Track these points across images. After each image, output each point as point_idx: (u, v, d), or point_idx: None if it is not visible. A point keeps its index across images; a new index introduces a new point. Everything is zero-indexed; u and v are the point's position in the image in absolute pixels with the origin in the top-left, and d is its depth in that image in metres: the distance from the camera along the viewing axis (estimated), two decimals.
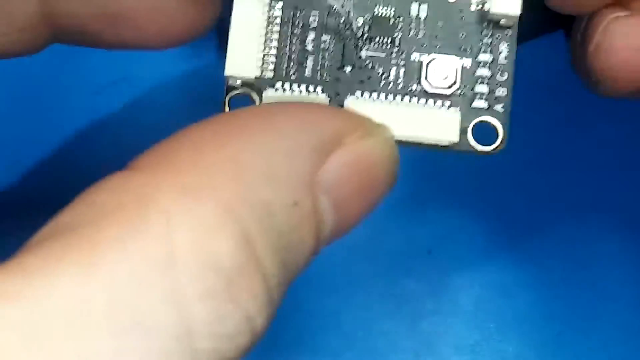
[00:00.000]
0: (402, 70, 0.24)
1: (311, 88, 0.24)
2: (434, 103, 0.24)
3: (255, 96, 0.24)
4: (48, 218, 0.19)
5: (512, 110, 0.24)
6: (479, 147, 0.24)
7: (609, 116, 0.33)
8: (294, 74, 0.24)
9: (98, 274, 0.18)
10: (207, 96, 0.26)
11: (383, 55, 0.24)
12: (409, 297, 0.35)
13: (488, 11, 0.24)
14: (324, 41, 0.24)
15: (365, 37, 0.24)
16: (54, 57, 0.30)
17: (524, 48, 0.24)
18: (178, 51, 0.33)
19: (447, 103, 0.24)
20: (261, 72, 0.24)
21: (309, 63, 0.24)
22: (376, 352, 0.35)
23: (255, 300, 0.19)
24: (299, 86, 0.24)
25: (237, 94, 0.24)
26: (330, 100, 0.24)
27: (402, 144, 0.24)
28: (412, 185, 0.36)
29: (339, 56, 0.24)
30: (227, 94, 0.24)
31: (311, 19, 0.25)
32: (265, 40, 0.24)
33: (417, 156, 0.25)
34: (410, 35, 0.25)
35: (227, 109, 0.24)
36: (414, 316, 0.35)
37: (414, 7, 0.25)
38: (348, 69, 0.24)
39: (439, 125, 0.24)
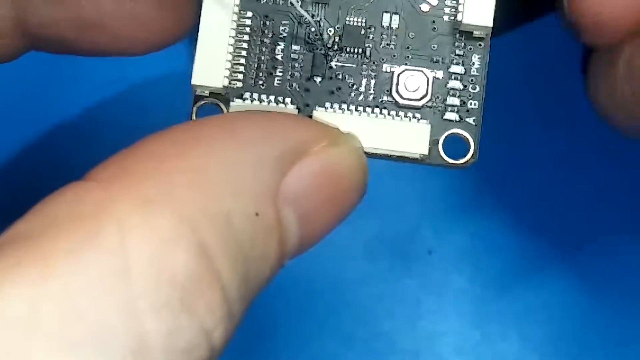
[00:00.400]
0: (372, 82, 0.24)
1: (280, 99, 0.24)
2: (405, 115, 0.24)
3: (223, 106, 0.24)
4: None
5: (483, 122, 0.24)
6: (450, 160, 0.24)
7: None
8: (262, 84, 0.24)
9: (51, 285, 0.17)
10: None
11: (354, 66, 0.24)
12: (409, 297, 0.35)
13: (461, 22, 0.24)
14: (294, 51, 0.24)
15: (336, 47, 0.24)
16: (52, 57, 0.30)
17: (494, 58, 0.24)
18: (177, 51, 0.33)
19: (418, 115, 0.24)
20: (229, 82, 0.24)
21: (278, 73, 0.24)
22: (376, 352, 0.35)
23: (213, 313, 0.19)
24: (267, 97, 0.24)
25: (204, 103, 0.24)
26: (299, 111, 0.24)
27: (372, 156, 0.23)
28: (412, 185, 0.36)
29: (309, 66, 0.24)
30: (194, 104, 0.24)
31: (281, 28, 0.24)
32: (234, 50, 0.24)
33: None
34: (381, 46, 0.24)
35: (194, 118, 0.24)
36: (414, 316, 0.35)
37: (386, 18, 0.24)
38: (318, 79, 0.24)
39: (409, 138, 0.23)
